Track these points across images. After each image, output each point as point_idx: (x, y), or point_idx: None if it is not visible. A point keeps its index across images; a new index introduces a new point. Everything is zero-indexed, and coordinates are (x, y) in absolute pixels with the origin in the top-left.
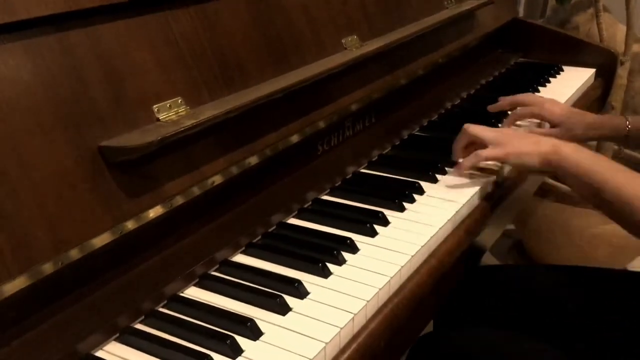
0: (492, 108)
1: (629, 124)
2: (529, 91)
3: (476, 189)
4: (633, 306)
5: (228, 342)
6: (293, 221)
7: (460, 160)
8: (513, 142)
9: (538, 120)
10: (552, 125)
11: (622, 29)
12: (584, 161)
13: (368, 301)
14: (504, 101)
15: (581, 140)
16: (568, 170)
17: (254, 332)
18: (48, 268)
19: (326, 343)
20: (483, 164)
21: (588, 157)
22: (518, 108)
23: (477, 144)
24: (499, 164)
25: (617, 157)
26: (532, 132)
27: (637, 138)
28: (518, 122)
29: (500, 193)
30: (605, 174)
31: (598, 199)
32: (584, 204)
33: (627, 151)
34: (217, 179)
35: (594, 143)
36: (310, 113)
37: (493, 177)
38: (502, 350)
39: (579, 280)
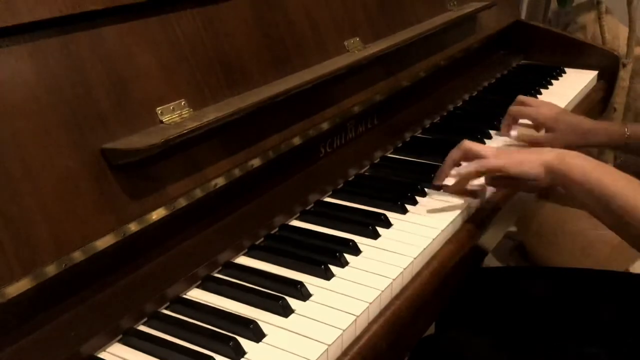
0: (504, 129)
1: (627, 132)
2: (531, 93)
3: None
4: (635, 308)
5: (231, 343)
6: (295, 223)
7: (453, 172)
8: (513, 153)
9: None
10: (547, 130)
11: (625, 30)
12: (592, 170)
13: (370, 303)
14: (508, 116)
15: (577, 147)
16: (574, 178)
17: (256, 334)
18: (51, 270)
19: (329, 345)
20: (469, 185)
21: (596, 166)
22: (516, 107)
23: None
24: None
25: (617, 163)
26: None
27: (636, 146)
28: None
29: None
30: (617, 185)
31: (605, 211)
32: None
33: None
34: (220, 181)
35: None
36: (313, 115)
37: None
38: (504, 353)
39: (580, 282)
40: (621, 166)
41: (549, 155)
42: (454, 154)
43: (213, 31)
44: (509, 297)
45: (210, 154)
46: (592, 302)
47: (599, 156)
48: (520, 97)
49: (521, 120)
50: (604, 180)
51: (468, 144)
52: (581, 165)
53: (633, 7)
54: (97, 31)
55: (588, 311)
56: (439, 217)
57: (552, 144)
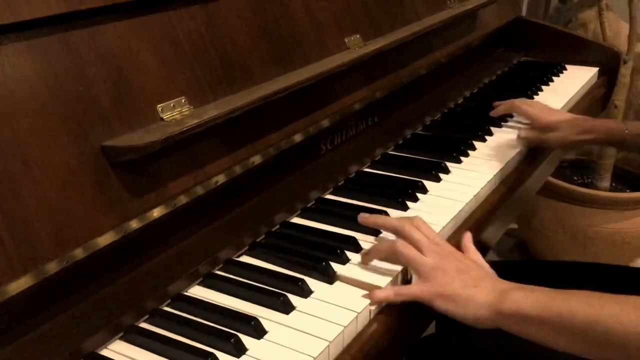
0: (494, 114)
1: (626, 129)
2: (532, 90)
3: (474, 190)
4: None
5: (232, 340)
6: (296, 220)
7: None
8: (446, 277)
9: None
10: (544, 129)
11: (626, 27)
12: (551, 300)
13: (370, 303)
14: (502, 106)
15: (579, 145)
16: (531, 316)
17: (257, 331)
18: (52, 267)
19: (330, 342)
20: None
21: (553, 295)
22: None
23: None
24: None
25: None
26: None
27: (635, 142)
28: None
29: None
30: (588, 310)
31: (581, 343)
32: (588, 203)
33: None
34: (221, 179)
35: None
36: (314, 112)
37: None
38: (504, 351)
39: (582, 276)
40: (622, 163)
41: (487, 295)
42: (382, 254)
43: (213, 28)
44: None
45: (210, 151)
46: None
47: (600, 154)
48: (518, 101)
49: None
50: (572, 307)
51: (400, 249)
52: (534, 299)
53: (634, 3)
54: (98, 28)
55: None
56: (439, 215)
57: (556, 142)
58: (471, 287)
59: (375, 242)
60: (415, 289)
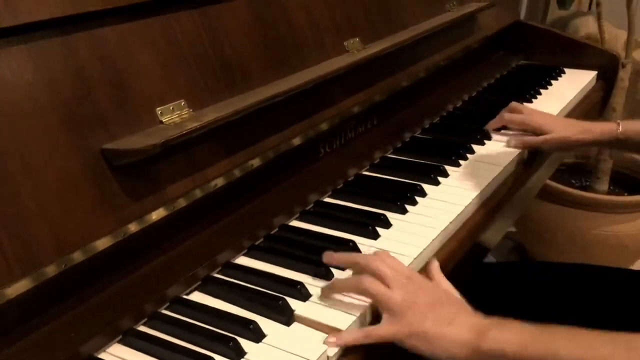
0: (490, 126)
1: (620, 128)
2: (531, 93)
3: (473, 194)
4: (635, 304)
5: (231, 344)
6: (295, 223)
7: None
8: (417, 315)
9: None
10: (542, 133)
11: (623, 33)
12: (535, 342)
13: (370, 303)
14: (499, 117)
15: (575, 145)
16: (513, 358)
17: (256, 334)
18: (51, 270)
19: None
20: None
21: (528, 330)
22: (507, 114)
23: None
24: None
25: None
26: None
27: (629, 141)
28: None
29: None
30: (574, 352)
31: None
32: (586, 206)
33: (629, 154)
34: (220, 182)
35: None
36: (313, 115)
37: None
38: None
39: (582, 278)
40: (620, 166)
41: (464, 329)
42: (348, 288)
43: (213, 32)
44: (511, 292)
45: (210, 154)
46: (592, 298)
47: (599, 153)
48: (513, 104)
49: None
50: (557, 347)
51: (368, 285)
52: (515, 338)
53: (632, 7)
54: (97, 32)
55: (590, 307)
56: (438, 217)
57: (549, 143)
58: (446, 324)
59: (375, 245)
60: (385, 330)
